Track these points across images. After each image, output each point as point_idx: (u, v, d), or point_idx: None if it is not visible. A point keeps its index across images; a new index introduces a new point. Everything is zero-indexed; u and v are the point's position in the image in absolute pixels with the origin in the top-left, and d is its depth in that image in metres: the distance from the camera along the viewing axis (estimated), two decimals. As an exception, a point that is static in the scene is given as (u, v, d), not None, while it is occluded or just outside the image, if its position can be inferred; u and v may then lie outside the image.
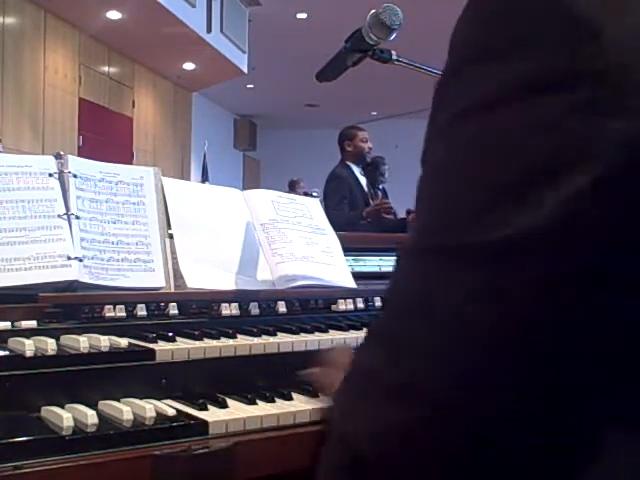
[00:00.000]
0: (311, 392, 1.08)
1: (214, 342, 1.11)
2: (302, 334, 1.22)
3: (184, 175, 10.64)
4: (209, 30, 9.23)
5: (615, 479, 0.54)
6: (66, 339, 1.03)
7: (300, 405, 1.03)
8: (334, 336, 1.23)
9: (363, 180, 5.19)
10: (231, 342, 1.12)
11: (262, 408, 1.00)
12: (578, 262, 0.51)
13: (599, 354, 0.54)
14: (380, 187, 5.78)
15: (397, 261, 0.63)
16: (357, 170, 5.17)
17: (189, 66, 10.23)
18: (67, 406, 0.93)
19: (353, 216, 4.41)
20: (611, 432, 0.53)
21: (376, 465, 0.58)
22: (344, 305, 1.41)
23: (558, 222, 0.51)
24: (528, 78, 0.53)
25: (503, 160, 0.54)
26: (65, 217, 1.24)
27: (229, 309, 1.26)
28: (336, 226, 1.59)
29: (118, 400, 0.96)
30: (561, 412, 0.54)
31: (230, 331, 1.15)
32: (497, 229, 0.53)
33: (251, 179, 14.83)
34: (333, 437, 0.65)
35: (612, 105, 0.51)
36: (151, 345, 1.05)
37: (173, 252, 1.34)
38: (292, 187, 9.15)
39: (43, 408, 0.92)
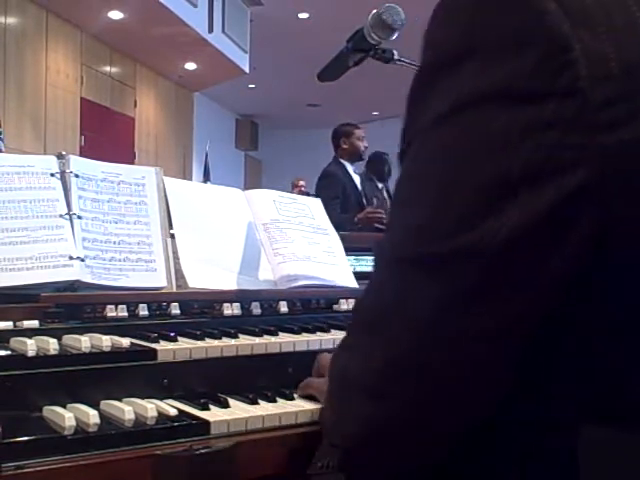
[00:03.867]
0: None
1: (216, 342, 1.11)
2: (304, 334, 1.21)
3: (186, 175, 10.64)
4: (211, 30, 9.23)
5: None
6: (68, 339, 1.03)
7: (302, 405, 1.03)
8: (336, 336, 1.23)
9: (357, 179, 5.01)
10: (233, 342, 1.12)
11: (264, 408, 1.00)
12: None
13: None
14: (381, 186, 5.69)
15: (374, 267, 0.65)
16: (351, 168, 4.99)
17: (191, 66, 10.23)
18: (69, 406, 0.92)
19: (344, 219, 4.15)
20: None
21: (358, 454, 0.67)
22: (346, 305, 1.41)
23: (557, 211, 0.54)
24: (512, 84, 0.53)
25: (487, 163, 0.55)
26: (67, 217, 1.25)
27: (231, 309, 1.26)
28: None
29: (120, 400, 0.96)
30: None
31: (232, 331, 1.15)
32: (491, 228, 0.55)
33: (252, 179, 14.83)
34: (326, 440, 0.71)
35: (586, 119, 0.52)
36: (153, 345, 1.05)
37: (175, 252, 1.34)
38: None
39: (45, 408, 0.92)
